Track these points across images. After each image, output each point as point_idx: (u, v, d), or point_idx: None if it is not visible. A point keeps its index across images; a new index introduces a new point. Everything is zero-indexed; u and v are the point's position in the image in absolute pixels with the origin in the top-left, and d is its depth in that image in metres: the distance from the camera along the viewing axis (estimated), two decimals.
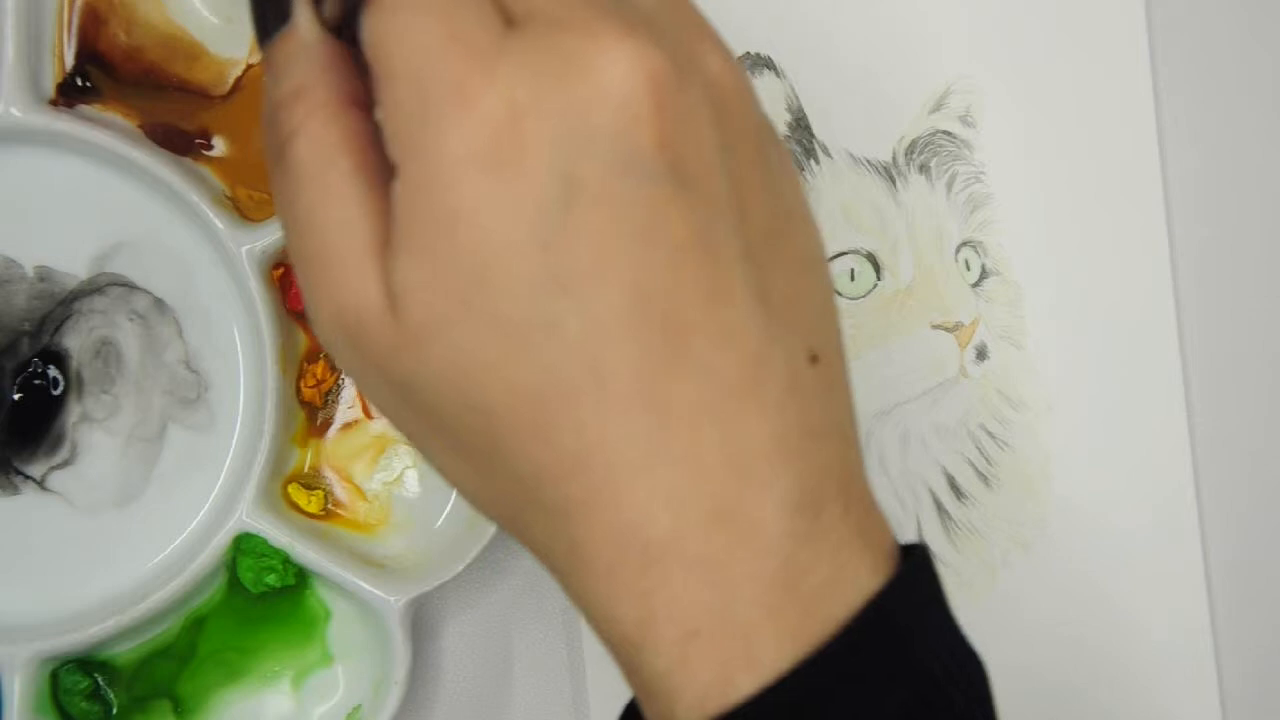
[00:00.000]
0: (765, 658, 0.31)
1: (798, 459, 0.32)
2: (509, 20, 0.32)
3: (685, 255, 0.31)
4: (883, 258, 0.50)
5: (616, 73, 0.31)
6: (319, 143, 0.33)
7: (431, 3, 0.31)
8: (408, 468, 0.48)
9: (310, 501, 0.47)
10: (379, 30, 0.31)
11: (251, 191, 0.47)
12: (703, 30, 0.34)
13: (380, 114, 0.32)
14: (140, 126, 0.47)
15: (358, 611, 0.47)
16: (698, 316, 0.32)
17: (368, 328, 0.32)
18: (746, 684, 0.31)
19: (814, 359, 0.33)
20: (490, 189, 0.31)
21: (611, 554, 0.32)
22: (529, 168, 0.31)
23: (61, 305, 0.46)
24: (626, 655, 0.32)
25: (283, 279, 0.46)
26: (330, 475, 0.48)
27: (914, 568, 0.34)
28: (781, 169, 0.34)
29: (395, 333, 0.32)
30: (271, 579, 0.46)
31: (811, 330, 0.34)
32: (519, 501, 0.33)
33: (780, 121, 0.50)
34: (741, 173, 0.33)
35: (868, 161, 0.50)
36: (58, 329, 0.46)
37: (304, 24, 0.34)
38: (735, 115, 0.33)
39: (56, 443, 0.46)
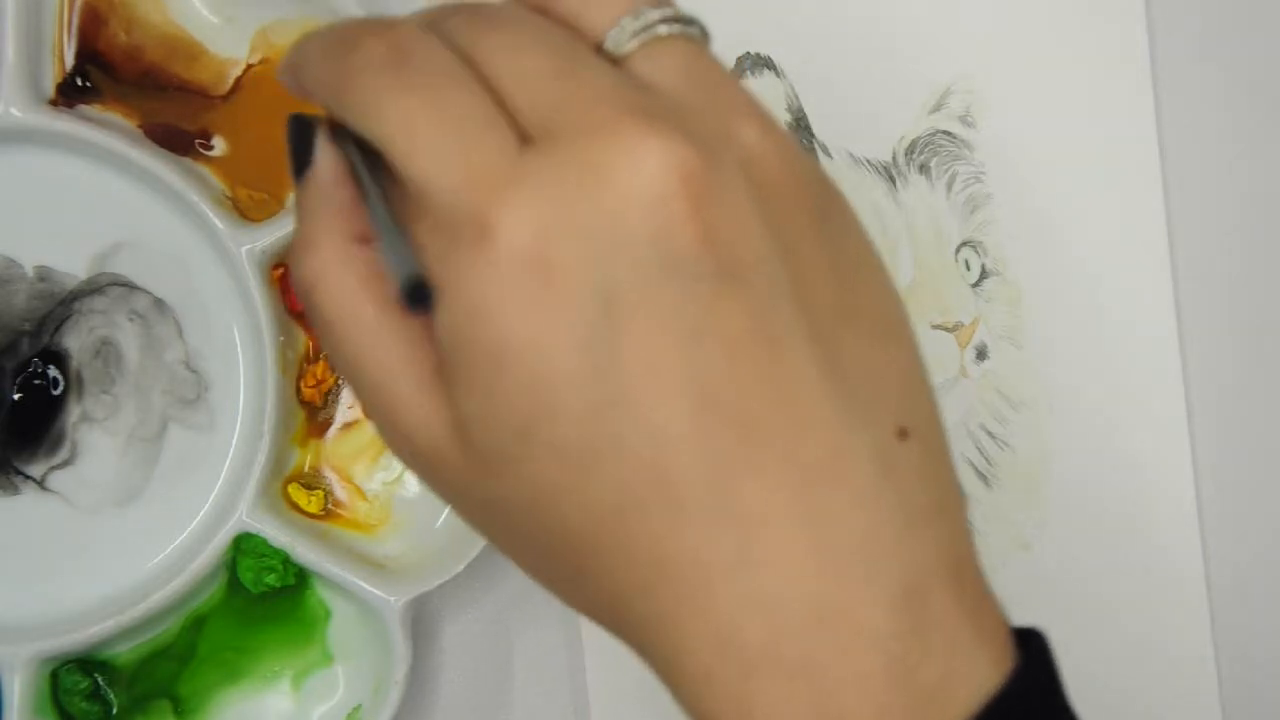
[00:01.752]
0: None
1: (898, 548, 0.31)
2: (525, 138, 0.31)
3: (743, 350, 0.30)
4: (883, 258, 0.50)
5: (643, 174, 0.30)
6: (338, 291, 0.33)
7: (447, 142, 0.30)
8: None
9: (310, 501, 0.47)
10: (401, 172, 0.31)
11: (251, 191, 0.47)
12: (734, 99, 0.32)
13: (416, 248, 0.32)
14: (140, 126, 0.47)
15: (358, 611, 0.47)
16: (765, 410, 0.30)
17: (441, 455, 0.32)
18: None
19: (903, 434, 0.32)
20: (528, 321, 0.30)
21: (708, 660, 0.31)
22: (564, 292, 0.30)
23: (61, 305, 0.46)
24: None
25: (283, 279, 0.46)
26: (330, 475, 0.48)
27: (1033, 660, 0.32)
28: (845, 230, 0.33)
29: (466, 461, 0.32)
30: (271, 579, 0.46)
31: (898, 403, 0.32)
32: (609, 614, 0.32)
33: (780, 121, 0.50)
34: (797, 247, 0.31)
35: (868, 161, 0.50)
36: (58, 329, 0.46)
37: (321, 168, 0.34)
38: (782, 186, 0.31)
39: (56, 443, 0.46)
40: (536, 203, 0.30)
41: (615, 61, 0.32)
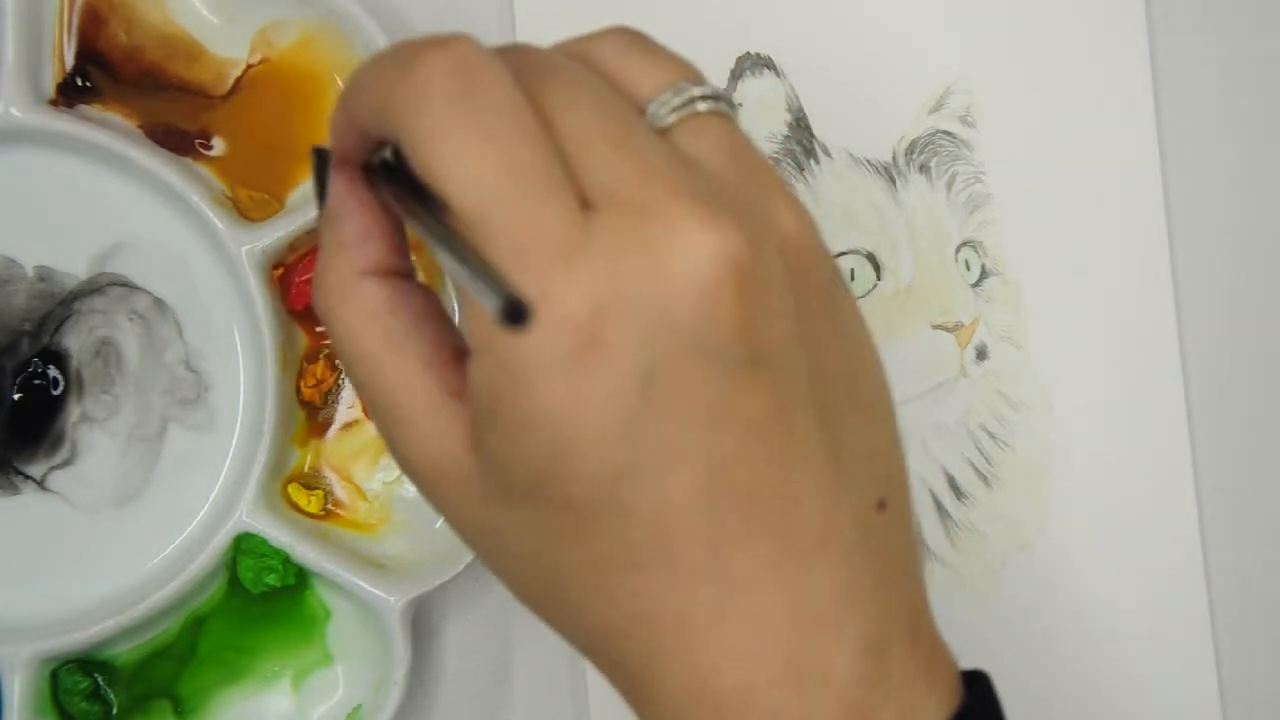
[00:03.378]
0: None
1: (867, 605, 0.33)
2: (585, 201, 0.31)
3: (761, 432, 0.32)
4: (883, 258, 0.50)
5: (697, 263, 0.31)
6: (343, 323, 0.34)
7: (516, 194, 0.31)
8: None
9: (310, 501, 0.47)
10: (460, 211, 0.31)
11: (251, 191, 0.47)
12: (770, 182, 0.33)
13: (457, 297, 0.33)
14: (140, 126, 0.47)
15: (358, 611, 0.47)
16: (769, 487, 0.32)
17: (448, 476, 0.33)
18: None
19: (881, 505, 0.34)
20: (570, 387, 0.31)
21: (680, 707, 0.33)
22: (611, 366, 0.31)
23: (61, 305, 0.46)
24: None
25: (283, 279, 0.46)
26: (330, 475, 0.48)
27: (978, 700, 0.34)
28: (845, 304, 0.34)
29: (479, 482, 0.33)
30: (271, 579, 0.46)
31: (882, 477, 0.34)
32: (590, 650, 0.34)
33: (780, 121, 0.50)
34: (815, 332, 0.33)
35: (868, 161, 0.50)
36: (58, 329, 0.46)
37: (330, 202, 0.35)
38: (809, 273, 0.33)
39: (56, 443, 0.46)
40: (596, 275, 0.30)
41: (656, 131, 0.33)
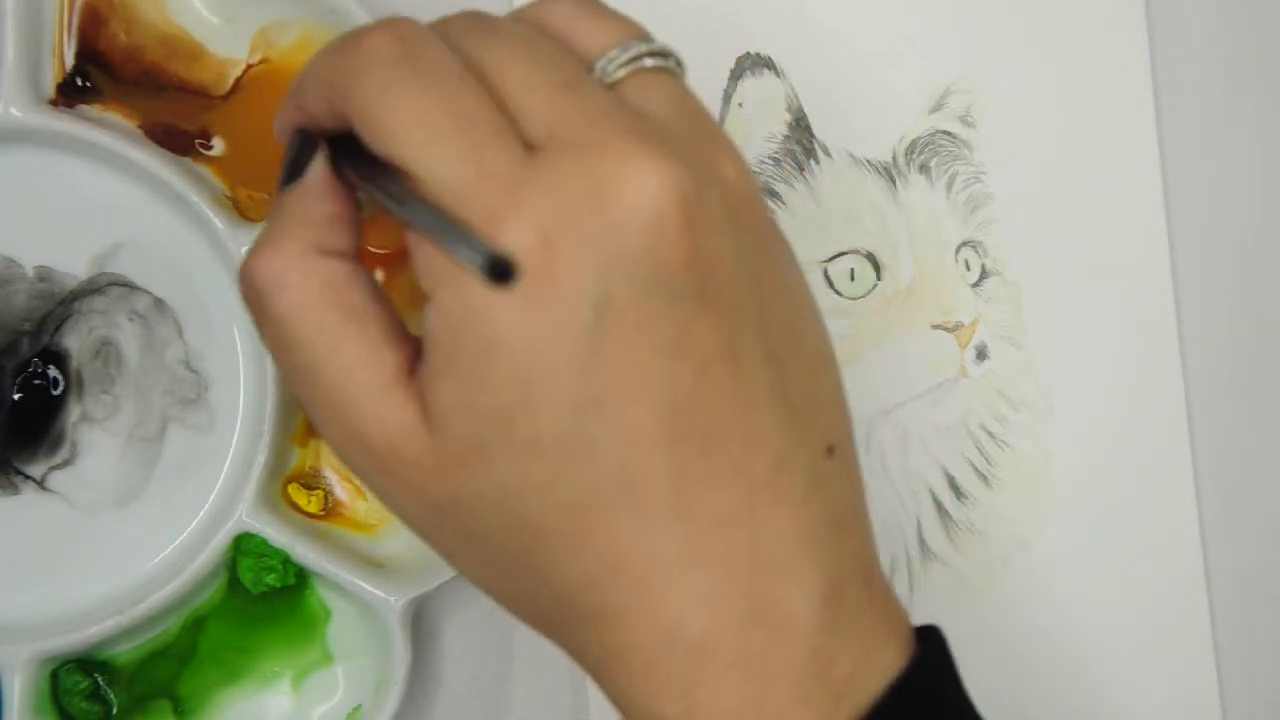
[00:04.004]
0: None
1: (824, 551, 0.34)
2: (529, 145, 0.32)
3: (714, 367, 0.32)
4: (883, 258, 0.50)
5: (645, 194, 0.32)
6: (300, 293, 0.34)
7: (457, 138, 0.32)
8: None
9: (310, 501, 0.47)
10: (409, 164, 0.32)
11: (251, 191, 0.47)
12: (714, 135, 0.34)
13: (411, 244, 0.33)
14: (140, 126, 0.47)
15: (358, 611, 0.47)
16: (727, 424, 0.33)
17: (403, 453, 0.33)
18: None
19: (830, 451, 0.35)
20: (527, 317, 0.31)
21: (650, 653, 0.33)
22: (565, 294, 0.31)
23: (61, 305, 0.46)
24: None
25: None
26: (330, 475, 0.48)
27: (932, 651, 0.35)
28: (790, 267, 0.35)
29: (435, 454, 0.33)
30: (271, 579, 0.46)
31: (828, 424, 0.35)
32: (556, 609, 0.34)
33: (780, 121, 0.50)
34: (760, 278, 0.34)
35: (868, 161, 0.50)
36: (58, 329, 0.46)
37: (310, 179, 0.35)
38: (750, 221, 0.34)
39: (56, 443, 0.46)
40: (545, 208, 0.31)
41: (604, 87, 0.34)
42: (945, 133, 0.51)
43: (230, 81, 0.47)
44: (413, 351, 0.34)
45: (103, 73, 0.46)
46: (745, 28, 0.50)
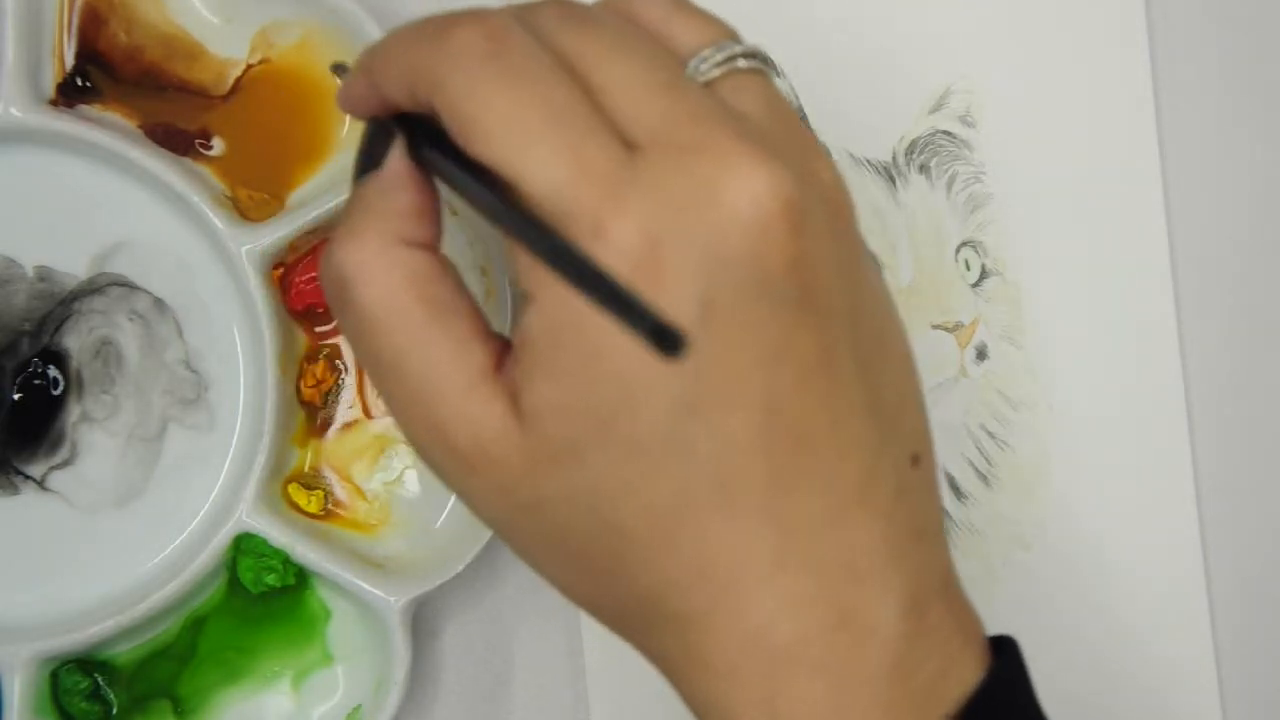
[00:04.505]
0: None
1: (908, 560, 0.33)
2: (629, 145, 0.31)
3: (812, 375, 0.32)
4: (883, 258, 0.50)
5: (751, 197, 0.31)
6: (385, 286, 0.33)
7: (556, 137, 0.31)
8: (408, 468, 0.48)
9: (310, 501, 0.47)
10: (501, 163, 0.31)
11: (251, 191, 0.47)
12: (812, 141, 0.34)
13: (508, 248, 0.33)
14: (140, 126, 0.47)
15: (358, 611, 0.47)
16: (821, 432, 0.32)
17: (490, 452, 0.33)
18: None
19: (915, 460, 0.34)
20: None
21: (735, 658, 0.33)
22: (669, 296, 0.31)
23: (61, 305, 0.46)
24: None
25: (283, 279, 0.46)
26: (330, 475, 0.48)
27: (1009, 660, 0.35)
28: (876, 274, 0.35)
29: (525, 454, 0.32)
30: (271, 579, 0.46)
31: (912, 433, 0.35)
32: (637, 611, 0.34)
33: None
34: (854, 285, 0.33)
35: (868, 161, 0.50)
36: (58, 329, 0.46)
37: (391, 168, 0.34)
38: (845, 226, 0.34)
39: (56, 443, 0.46)
40: (649, 208, 0.31)
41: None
42: (945, 133, 0.51)
43: (230, 81, 0.47)
44: (499, 348, 0.34)
45: (103, 73, 0.46)
46: (745, 28, 0.50)
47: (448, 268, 0.34)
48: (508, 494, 0.33)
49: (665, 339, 0.28)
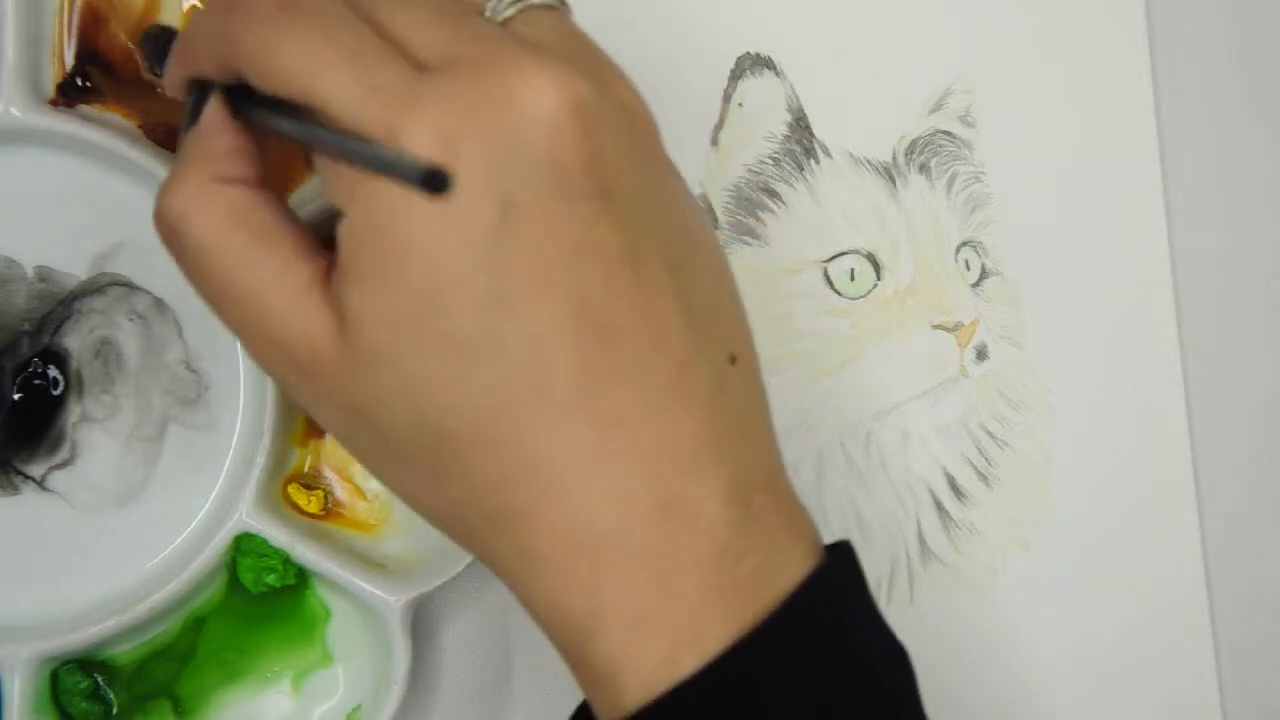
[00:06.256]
0: (707, 637, 0.34)
1: (729, 451, 0.34)
2: (420, 66, 0.33)
3: (617, 267, 0.33)
4: (883, 258, 0.50)
5: (544, 99, 0.33)
6: (208, 220, 0.35)
7: (348, 64, 0.33)
8: None
9: (310, 501, 0.47)
10: (304, 97, 0.33)
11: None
12: (606, 62, 0.36)
13: (320, 173, 0.34)
14: (140, 126, 0.47)
15: (358, 611, 0.47)
16: (631, 325, 0.33)
17: (320, 356, 0.34)
18: (691, 662, 0.33)
19: (733, 359, 0.36)
20: (433, 220, 0.32)
21: (560, 550, 0.34)
22: (468, 195, 0.32)
23: (61, 305, 0.46)
24: (575, 645, 0.35)
25: None
26: (330, 475, 0.48)
27: (840, 558, 0.36)
28: (684, 190, 0.36)
29: (349, 357, 0.34)
30: (271, 579, 0.46)
31: (729, 334, 0.36)
32: (468, 511, 0.35)
33: (780, 121, 0.50)
34: (657, 193, 0.35)
35: (868, 161, 0.50)
36: (58, 329, 0.46)
37: (206, 120, 0.36)
38: (647, 138, 0.35)
39: (56, 443, 0.46)
40: (443, 115, 0.32)
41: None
42: (945, 133, 0.51)
43: None
44: (326, 265, 0.35)
45: (103, 73, 0.46)
46: (745, 28, 0.50)
47: (269, 198, 0.36)
48: (338, 397, 0.35)
49: (430, 180, 0.30)
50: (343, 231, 0.34)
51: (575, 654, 0.35)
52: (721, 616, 0.34)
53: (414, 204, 0.32)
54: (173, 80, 0.38)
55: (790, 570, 0.35)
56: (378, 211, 0.33)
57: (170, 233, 0.36)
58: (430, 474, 0.35)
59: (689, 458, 0.34)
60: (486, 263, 0.32)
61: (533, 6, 0.36)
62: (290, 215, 0.36)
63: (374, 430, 0.35)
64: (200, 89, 0.37)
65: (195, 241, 0.36)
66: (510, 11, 0.35)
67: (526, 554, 0.34)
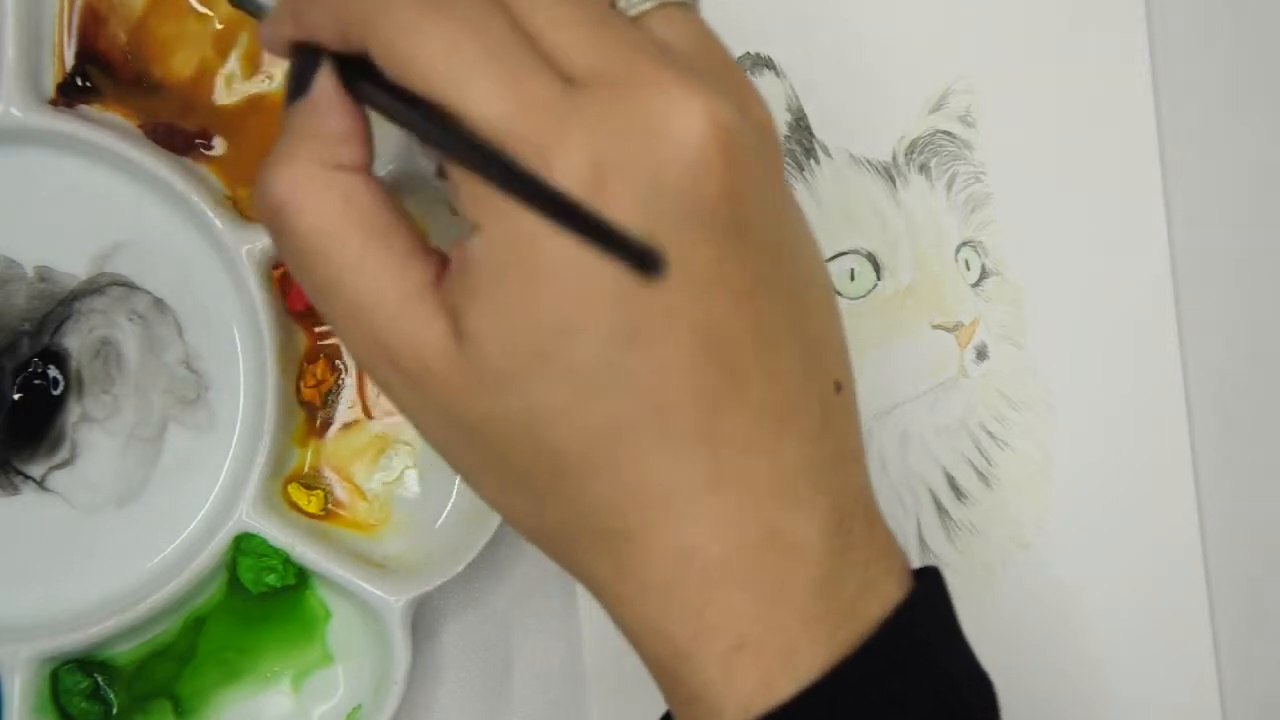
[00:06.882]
0: (804, 663, 0.34)
1: (832, 480, 0.35)
2: (569, 79, 0.32)
3: (744, 302, 0.33)
4: (883, 258, 0.50)
5: (692, 128, 0.32)
6: (320, 208, 0.34)
7: (496, 70, 0.31)
8: (408, 468, 0.48)
9: (310, 501, 0.47)
10: (444, 97, 0.32)
11: (252, 191, 0.47)
12: (741, 76, 0.35)
13: (453, 179, 0.33)
14: (140, 126, 0.47)
15: (358, 611, 0.47)
16: (752, 358, 0.33)
17: (431, 366, 0.33)
18: (787, 687, 0.33)
19: (838, 387, 0.35)
20: (579, 252, 0.31)
21: (667, 574, 0.34)
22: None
23: (61, 305, 0.46)
24: (673, 668, 0.34)
25: (283, 279, 0.46)
26: (330, 475, 0.48)
27: (931, 584, 0.36)
28: (803, 219, 0.36)
29: (468, 374, 0.33)
30: (271, 579, 0.46)
31: (835, 362, 0.36)
32: (572, 530, 0.34)
33: (780, 121, 0.50)
34: (781, 216, 0.35)
35: (868, 161, 0.50)
36: (58, 329, 0.46)
37: (319, 94, 0.34)
38: (774, 159, 0.35)
39: (56, 443, 0.46)
40: (593, 136, 0.31)
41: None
42: (945, 133, 0.51)
43: None
44: (437, 266, 0.34)
45: (103, 73, 0.46)
46: (745, 28, 0.50)
47: (380, 190, 0.35)
48: (447, 412, 0.34)
49: (646, 261, 0.28)
50: (474, 247, 0.32)
51: (670, 674, 0.35)
52: (817, 644, 0.34)
53: (560, 234, 0.30)
54: (276, 38, 0.35)
55: (883, 598, 0.35)
56: (520, 236, 0.32)
57: (273, 214, 0.34)
58: (537, 493, 0.34)
59: (796, 487, 0.34)
60: (628, 293, 0.32)
61: (667, 4, 0.35)
62: (399, 209, 0.35)
63: (482, 448, 0.34)
64: (307, 56, 0.35)
65: (305, 231, 0.34)
66: (645, 6, 0.34)
67: (630, 576, 0.34)
